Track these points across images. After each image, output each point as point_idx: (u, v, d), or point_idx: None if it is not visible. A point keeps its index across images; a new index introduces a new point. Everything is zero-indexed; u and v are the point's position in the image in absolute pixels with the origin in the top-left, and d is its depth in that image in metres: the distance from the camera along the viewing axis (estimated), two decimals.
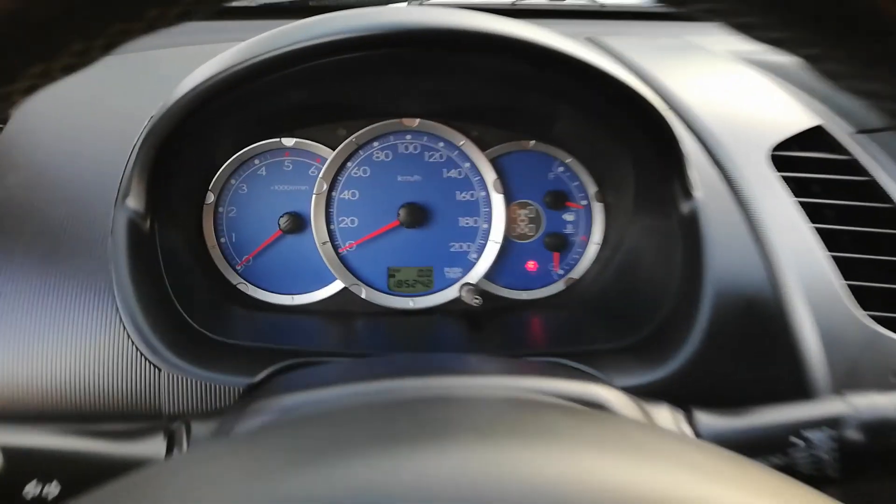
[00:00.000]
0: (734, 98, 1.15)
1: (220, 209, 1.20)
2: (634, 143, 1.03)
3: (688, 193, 0.98)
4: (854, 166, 1.09)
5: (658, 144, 0.96)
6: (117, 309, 0.88)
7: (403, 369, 0.68)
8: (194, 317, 0.98)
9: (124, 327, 0.87)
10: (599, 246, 1.27)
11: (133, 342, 0.86)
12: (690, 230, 0.98)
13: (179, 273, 1.03)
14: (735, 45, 1.33)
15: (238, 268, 1.21)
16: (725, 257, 0.95)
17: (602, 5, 1.64)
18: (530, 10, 1.60)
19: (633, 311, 1.08)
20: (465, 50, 0.87)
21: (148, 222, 0.97)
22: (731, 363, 0.88)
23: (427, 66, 0.96)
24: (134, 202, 0.95)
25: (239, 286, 1.20)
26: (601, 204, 1.26)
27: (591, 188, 1.27)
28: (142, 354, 0.86)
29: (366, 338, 1.11)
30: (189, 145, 1.04)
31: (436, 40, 0.84)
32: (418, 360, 0.84)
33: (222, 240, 1.20)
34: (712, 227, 0.96)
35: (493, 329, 1.17)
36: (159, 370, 0.83)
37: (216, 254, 1.19)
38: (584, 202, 1.27)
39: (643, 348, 0.98)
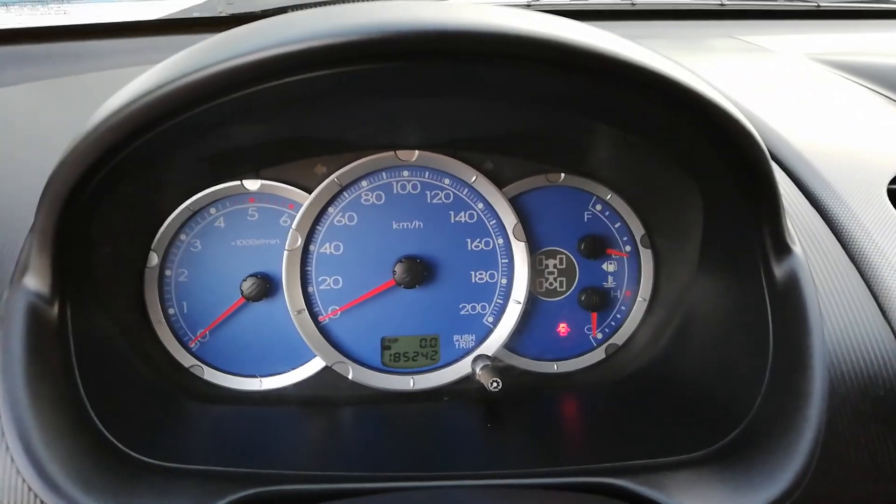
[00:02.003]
0: (830, 116, 0.88)
1: (168, 273, 0.96)
2: (707, 175, 0.77)
3: (783, 246, 0.73)
4: None
5: (745, 180, 0.70)
6: (2, 430, 0.65)
7: None
8: (119, 433, 0.74)
9: (11, 457, 0.64)
10: (647, 303, 1.01)
11: (23, 478, 0.63)
12: (787, 295, 0.74)
13: (103, 370, 0.79)
14: (809, 44, 1.07)
15: (192, 346, 0.96)
16: (840, 332, 0.72)
17: (632, 3, 1.38)
18: (548, 11, 1.34)
19: (706, 400, 0.82)
20: (505, 61, 0.58)
21: (56, 306, 0.73)
22: (857, 483, 0.67)
23: (437, 85, 0.69)
24: (35, 280, 0.71)
25: (193, 369, 0.95)
26: (650, 251, 1.01)
27: (638, 231, 1.01)
28: (36, 496, 0.63)
29: (353, 442, 0.85)
30: (117, 196, 0.79)
31: (461, 48, 0.56)
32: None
33: (171, 311, 0.95)
34: (818, 291, 0.73)
35: (518, 420, 0.91)
36: None
37: (163, 331, 0.95)
38: (628, 248, 1.02)
39: (727, 462, 0.74)
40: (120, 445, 0.72)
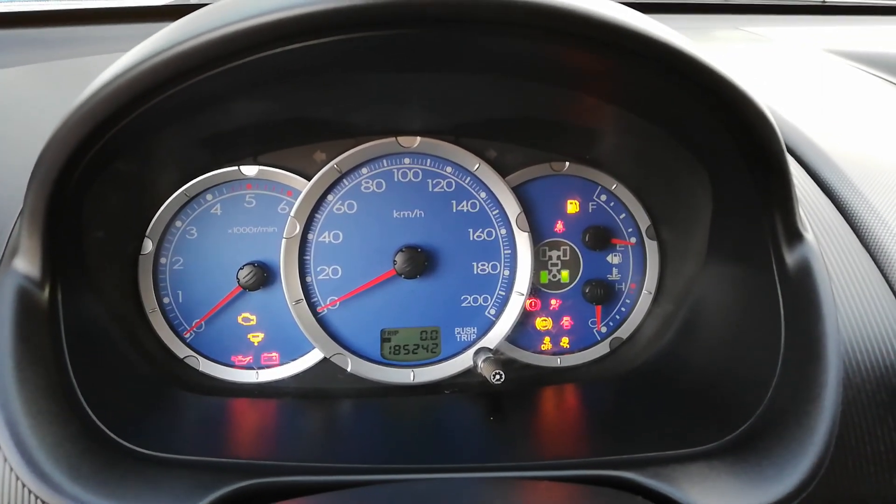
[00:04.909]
0: (840, 104, 0.87)
1: (163, 261, 0.93)
2: (718, 160, 0.75)
3: (794, 233, 0.71)
4: None
5: (756, 164, 0.68)
6: None
7: None
8: (110, 421, 0.72)
9: None
10: (653, 296, 0.99)
11: (10, 465, 0.61)
12: (800, 283, 0.72)
13: (94, 357, 0.77)
14: (816, 36, 1.06)
15: (186, 336, 0.93)
16: (854, 321, 0.70)
17: None
18: None
19: (715, 392, 0.80)
20: (523, 30, 0.55)
21: (46, 290, 0.71)
22: (873, 475, 0.65)
23: (443, 58, 0.67)
24: (24, 263, 0.69)
25: (187, 360, 0.93)
26: (656, 242, 0.99)
27: (644, 222, 0.99)
28: (23, 485, 0.61)
29: (352, 435, 0.83)
30: (110, 177, 0.77)
31: (479, 14, 0.53)
32: (419, 496, 0.62)
33: (166, 300, 0.93)
34: (831, 279, 0.71)
35: (520, 414, 0.89)
36: None
37: (157, 319, 0.92)
38: (633, 239, 1.00)
39: (739, 454, 0.72)
40: (111, 434, 0.70)
